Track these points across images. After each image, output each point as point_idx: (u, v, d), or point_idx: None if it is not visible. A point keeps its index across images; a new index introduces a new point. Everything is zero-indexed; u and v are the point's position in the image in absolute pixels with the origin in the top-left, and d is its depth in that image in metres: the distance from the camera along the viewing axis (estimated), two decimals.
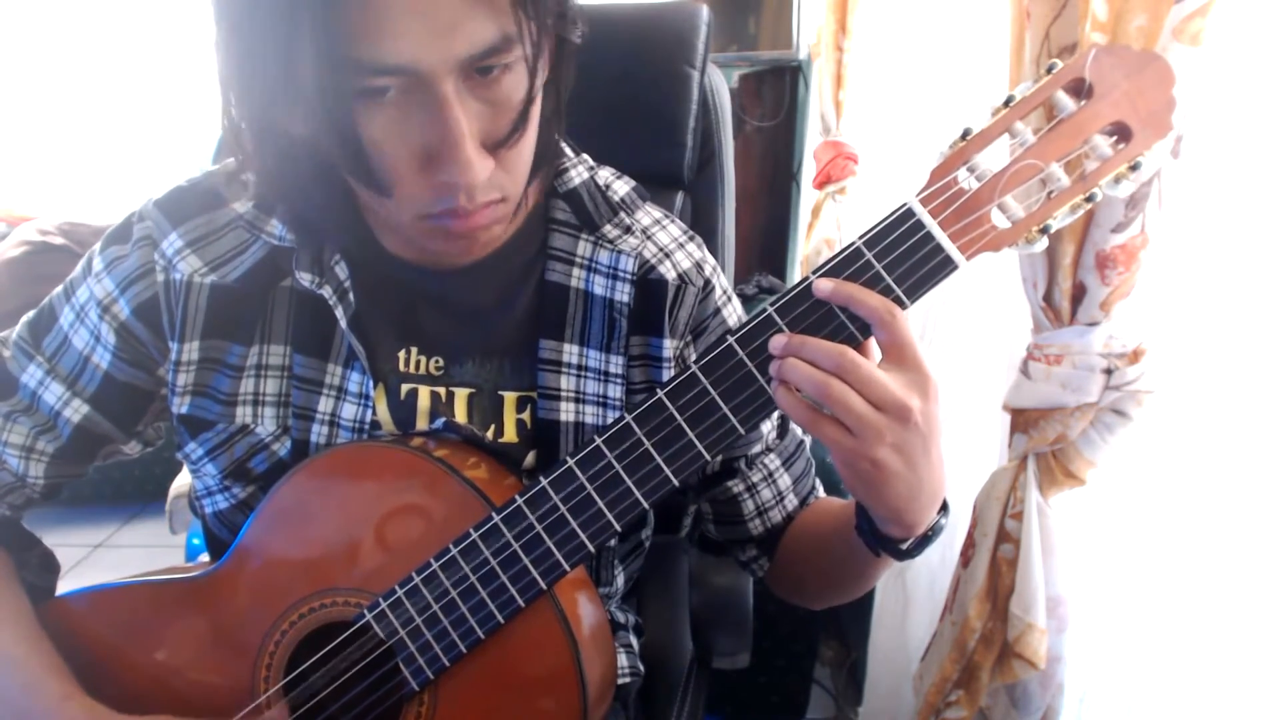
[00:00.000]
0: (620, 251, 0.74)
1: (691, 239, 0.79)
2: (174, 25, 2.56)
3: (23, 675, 0.68)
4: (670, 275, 0.75)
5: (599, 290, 0.74)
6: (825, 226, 1.92)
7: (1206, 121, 0.70)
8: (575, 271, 0.74)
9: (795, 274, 2.37)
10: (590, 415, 0.73)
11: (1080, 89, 0.55)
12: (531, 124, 0.61)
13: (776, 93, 2.30)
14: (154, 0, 2.58)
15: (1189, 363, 0.79)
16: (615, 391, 0.74)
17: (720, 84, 1.03)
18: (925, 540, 0.65)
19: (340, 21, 0.51)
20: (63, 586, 0.78)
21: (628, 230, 0.76)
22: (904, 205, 0.56)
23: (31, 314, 0.75)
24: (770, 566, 0.83)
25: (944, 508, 0.65)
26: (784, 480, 0.80)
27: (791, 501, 0.81)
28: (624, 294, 0.74)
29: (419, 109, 0.56)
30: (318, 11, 0.51)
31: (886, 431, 0.55)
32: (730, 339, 0.58)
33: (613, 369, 0.74)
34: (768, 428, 0.80)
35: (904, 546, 0.64)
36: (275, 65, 0.54)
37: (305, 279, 0.69)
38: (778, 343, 0.57)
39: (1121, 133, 0.55)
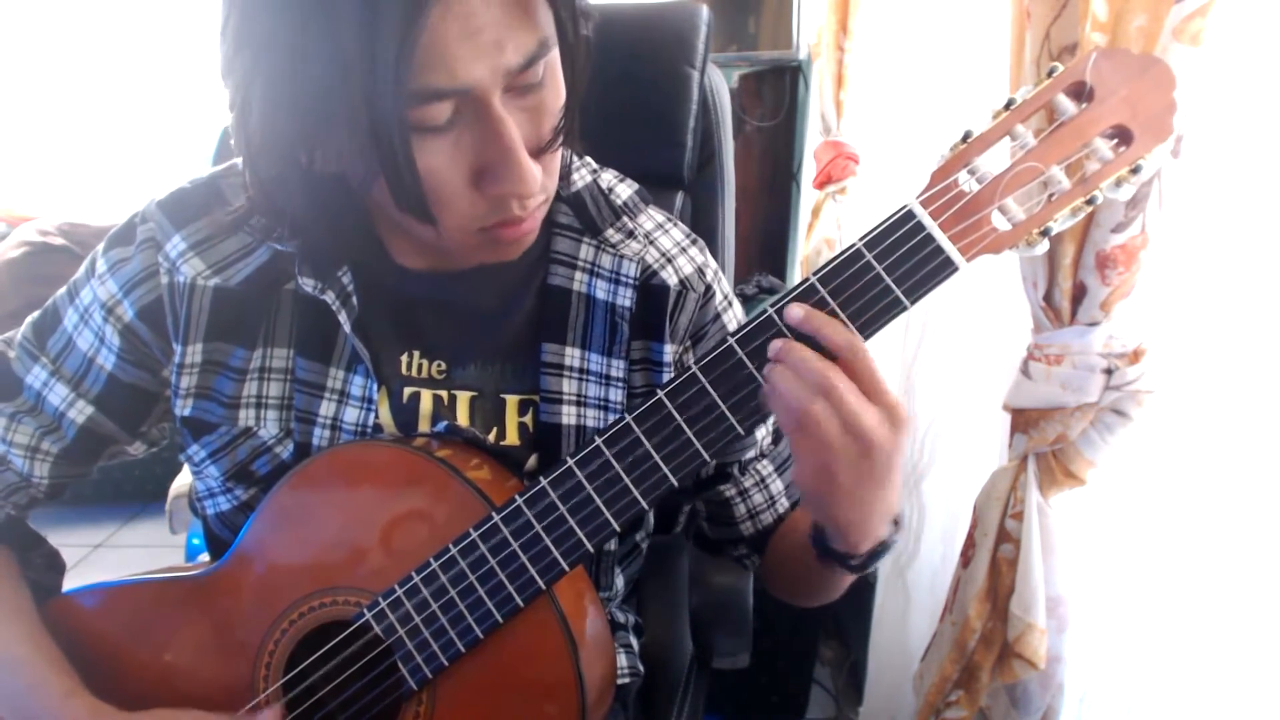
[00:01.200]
0: (623, 256, 0.74)
1: (694, 243, 0.79)
2: (174, 25, 2.56)
3: (27, 674, 0.68)
4: (672, 281, 0.75)
5: (601, 294, 0.74)
6: (825, 226, 1.92)
7: (1206, 121, 0.70)
8: (578, 275, 0.74)
9: (795, 274, 2.37)
10: (592, 418, 0.73)
11: (1081, 92, 0.55)
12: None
13: (776, 93, 2.30)
14: (154, 0, 2.58)
15: (1189, 363, 0.79)
16: (616, 395, 0.74)
17: (720, 84, 1.03)
18: (874, 556, 0.66)
19: (391, 55, 0.50)
20: (63, 587, 0.78)
21: (630, 234, 0.76)
22: (904, 207, 0.56)
23: (35, 315, 0.76)
24: (761, 563, 0.84)
25: (896, 522, 0.66)
26: (776, 485, 0.81)
27: (783, 504, 0.82)
28: (626, 298, 0.74)
29: (470, 129, 0.56)
30: (366, 47, 0.50)
31: (852, 454, 0.56)
32: (730, 340, 0.59)
33: (614, 373, 0.74)
34: (762, 433, 0.80)
35: (852, 562, 0.66)
36: (321, 106, 0.53)
37: (309, 284, 0.69)
38: (774, 347, 0.57)
39: (1122, 136, 0.55)
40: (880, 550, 0.65)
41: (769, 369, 0.57)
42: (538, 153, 0.59)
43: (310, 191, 0.62)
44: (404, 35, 0.50)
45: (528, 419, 0.73)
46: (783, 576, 0.82)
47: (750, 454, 0.79)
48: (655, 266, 0.75)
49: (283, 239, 0.69)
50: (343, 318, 0.69)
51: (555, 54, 0.58)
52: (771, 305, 0.58)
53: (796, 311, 0.57)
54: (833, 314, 0.57)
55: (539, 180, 0.59)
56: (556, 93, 0.59)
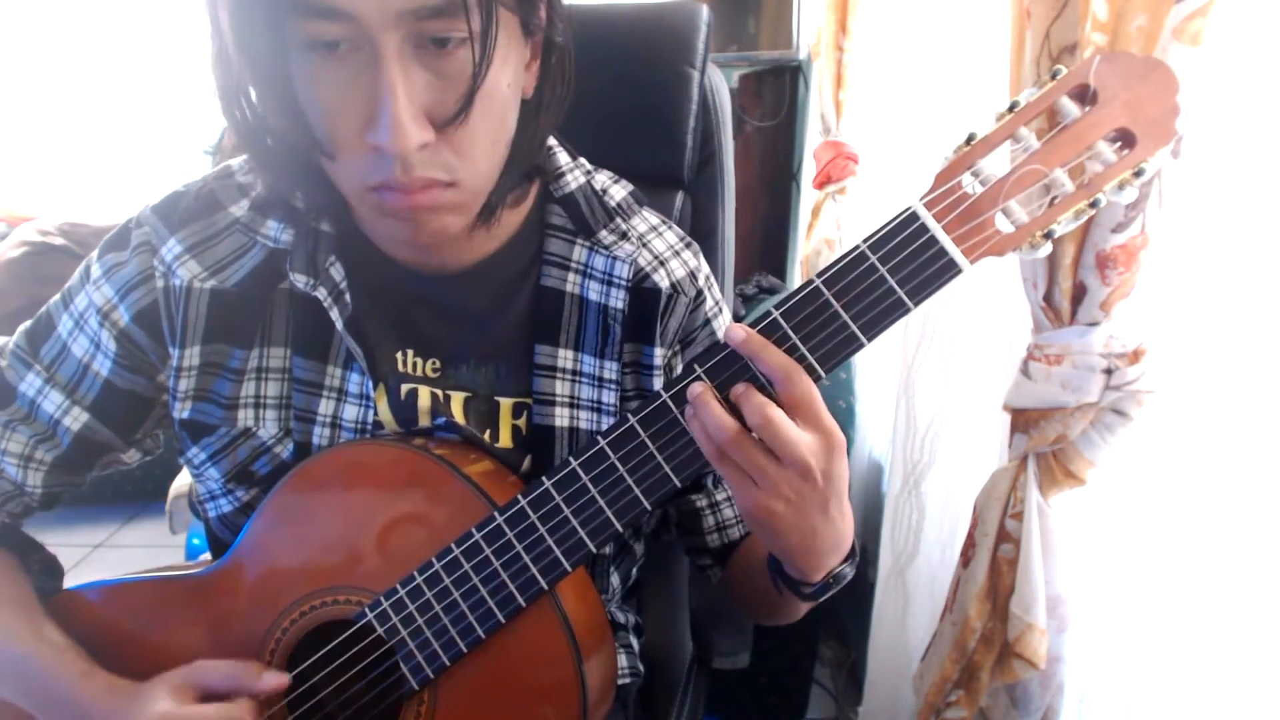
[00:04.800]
0: (615, 257, 0.74)
1: (688, 246, 0.78)
2: (174, 25, 2.56)
3: (42, 660, 0.68)
4: (664, 284, 0.75)
5: (594, 296, 0.74)
6: (825, 226, 1.92)
7: (1206, 121, 0.70)
8: (571, 277, 0.74)
9: (795, 274, 2.37)
10: (585, 421, 0.73)
11: (1084, 95, 0.55)
12: (488, 108, 0.59)
13: (776, 93, 2.30)
14: (154, 0, 2.58)
15: (1189, 363, 0.79)
16: (610, 397, 0.74)
17: (720, 84, 1.03)
18: (826, 587, 0.66)
19: None
20: (63, 586, 0.78)
21: (624, 236, 0.75)
22: (908, 209, 0.56)
23: (29, 323, 0.75)
24: (723, 576, 0.84)
25: (851, 555, 0.66)
26: None
27: None
28: (619, 300, 0.74)
29: (364, 69, 0.55)
30: None
31: (785, 485, 0.56)
32: (727, 342, 0.58)
33: (607, 374, 0.74)
34: None
35: (805, 590, 0.66)
36: (227, 16, 0.55)
37: (300, 280, 0.69)
38: (690, 393, 0.58)
39: (1125, 139, 0.55)
40: (833, 582, 0.66)
41: (688, 414, 0.58)
42: (441, 124, 0.58)
43: (254, 133, 0.62)
44: None
45: (521, 422, 0.73)
46: (743, 593, 0.82)
47: None
48: (648, 269, 0.75)
49: (271, 214, 0.70)
50: (334, 315, 0.69)
51: (475, 23, 0.55)
52: (775, 306, 0.58)
53: (737, 334, 0.57)
54: (834, 317, 0.57)
55: (414, 140, 0.56)
56: (468, 62, 0.57)
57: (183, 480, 1.63)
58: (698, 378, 0.59)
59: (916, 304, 0.56)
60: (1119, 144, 0.55)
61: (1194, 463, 0.81)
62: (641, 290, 0.74)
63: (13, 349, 0.75)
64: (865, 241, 0.57)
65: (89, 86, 2.66)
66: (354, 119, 0.57)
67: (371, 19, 0.53)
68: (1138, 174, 0.55)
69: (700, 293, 0.77)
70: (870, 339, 0.57)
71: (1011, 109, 0.56)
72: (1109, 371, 0.79)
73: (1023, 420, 0.87)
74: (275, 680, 0.66)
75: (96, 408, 0.73)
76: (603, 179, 0.78)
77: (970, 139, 0.56)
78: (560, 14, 0.65)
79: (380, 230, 0.69)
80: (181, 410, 0.72)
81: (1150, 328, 0.79)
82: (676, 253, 0.77)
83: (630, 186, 0.79)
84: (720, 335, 0.77)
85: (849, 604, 1.76)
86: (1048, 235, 0.56)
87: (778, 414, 0.56)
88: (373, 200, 0.61)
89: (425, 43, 0.56)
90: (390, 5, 0.53)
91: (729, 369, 0.58)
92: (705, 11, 1.00)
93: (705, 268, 0.79)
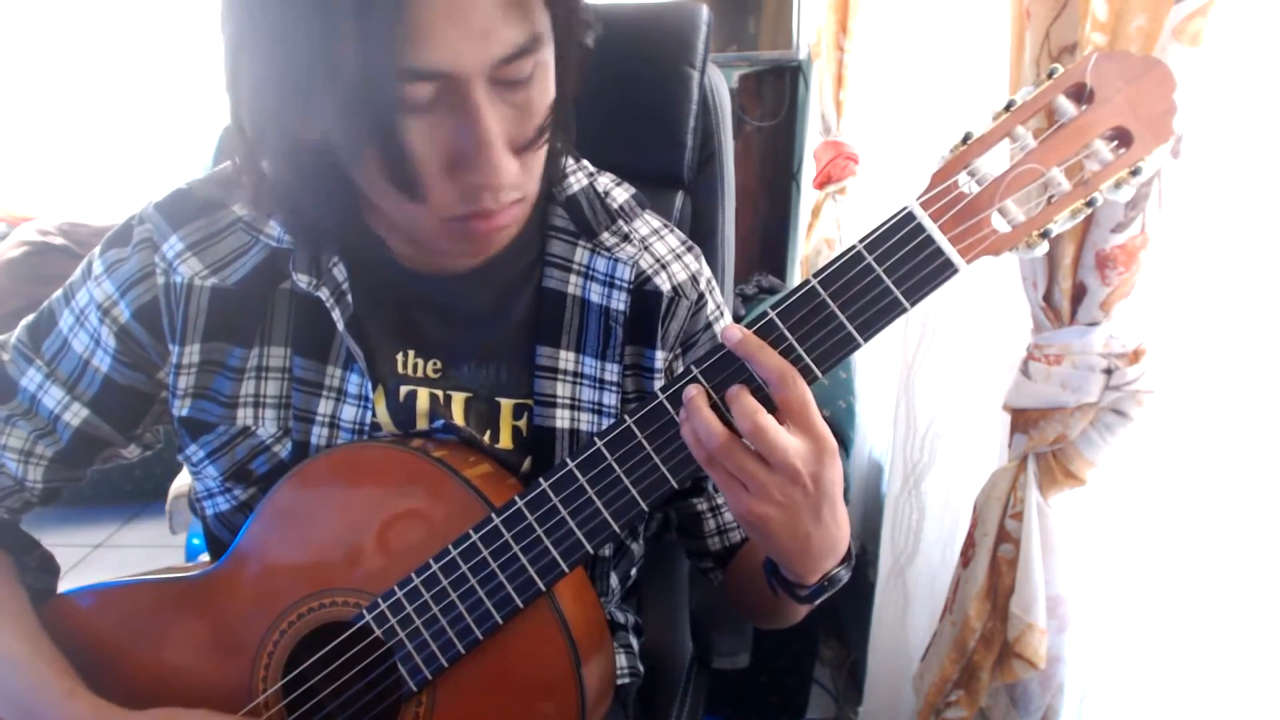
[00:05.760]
0: (617, 259, 0.74)
1: (690, 249, 0.79)
2: (174, 25, 2.56)
3: (27, 674, 0.68)
4: (665, 287, 0.75)
5: (595, 298, 0.74)
6: (825, 226, 1.92)
7: (1206, 121, 0.70)
8: (573, 278, 0.74)
9: (795, 274, 2.37)
10: (586, 423, 0.73)
11: (1081, 94, 0.55)
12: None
13: (776, 93, 2.30)
14: (154, 0, 2.58)
15: (1189, 363, 0.79)
16: (611, 399, 0.74)
17: (720, 84, 1.03)
18: (822, 590, 0.66)
19: (380, 31, 0.51)
20: (62, 587, 0.78)
21: (626, 238, 0.76)
22: (905, 209, 0.56)
23: (31, 317, 0.75)
24: (723, 579, 0.84)
25: (847, 558, 0.66)
26: None
27: None
28: (620, 302, 0.74)
29: (451, 113, 0.56)
30: (358, 21, 0.51)
31: (775, 490, 0.56)
32: (723, 345, 0.58)
33: (608, 376, 0.74)
34: None
35: (800, 593, 0.66)
36: (308, 76, 0.54)
37: (303, 280, 0.69)
38: (685, 395, 0.58)
39: (1122, 138, 0.55)
40: (829, 585, 0.66)
41: (681, 417, 0.58)
42: (518, 150, 0.59)
43: (293, 158, 0.61)
44: (394, 11, 0.50)
45: (522, 424, 0.73)
46: (742, 596, 0.82)
47: None
48: (649, 272, 0.75)
49: (268, 209, 0.69)
50: (336, 315, 0.69)
51: (548, 53, 0.58)
52: (772, 306, 0.58)
53: (733, 334, 0.57)
54: (831, 317, 0.57)
55: (513, 175, 0.58)
56: (544, 91, 0.59)
57: (183, 480, 1.63)
58: (694, 379, 0.59)
59: (913, 304, 0.56)
60: (1116, 143, 0.55)
61: (1194, 463, 0.81)
62: (643, 293, 0.75)
63: (15, 344, 0.75)
64: (861, 242, 0.57)
65: (90, 86, 2.66)
66: (442, 161, 0.58)
67: (465, 73, 0.54)
68: (1135, 173, 0.55)
69: (702, 296, 0.77)
70: (867, 339, 0.57)
71: (1008, 108, 0.55)
72: (1109, 371, 0.79)
73: (1022, 420, 0.87)
74: None
75: (96, 404, 0.73)
76: (605, 181, 0.79)
77: (967, 138, 0.56)
78: (593, 20, 0.66)
79: (445, 248, 0.68)
80: (181, 407, 0.72)
81: (1150, 328, 0.79)
82: (678, 256, 0.77)
83: (633, 190, 0.80)
84: None
85: (849, 604, 1.76)
86: (1044, 234, 0.56)
87: (766, 420, 0.56)
88: (452, 228, 0.62)
89: (501, 80, 0.56)
90: (485, 59, 0.54)
91: (726, 370, 0.58)
92: (705, 11, 1.00)
93: (707, 271, 0.79)
